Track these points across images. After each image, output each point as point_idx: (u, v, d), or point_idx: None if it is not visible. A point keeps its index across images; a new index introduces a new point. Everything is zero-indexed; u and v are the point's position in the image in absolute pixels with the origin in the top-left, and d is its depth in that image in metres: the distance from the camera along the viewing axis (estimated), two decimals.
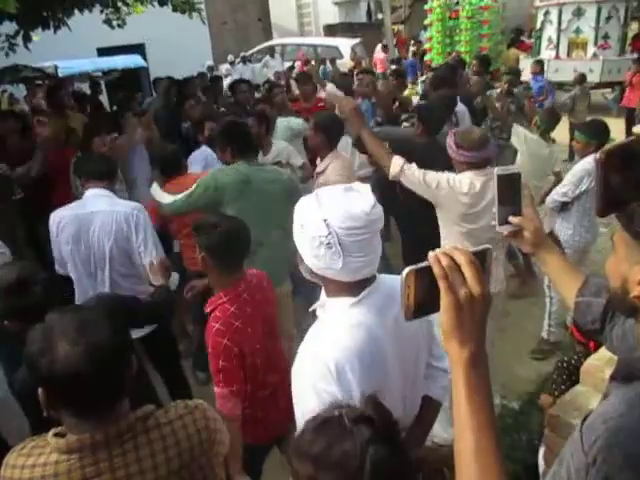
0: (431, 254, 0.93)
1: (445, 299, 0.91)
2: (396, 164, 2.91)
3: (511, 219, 1.37)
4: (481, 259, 0.95)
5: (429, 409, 1.71)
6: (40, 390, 1.22)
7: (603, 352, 2.90)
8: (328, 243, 1.32)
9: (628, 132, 9.39)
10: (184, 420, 1.34)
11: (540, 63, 9.80)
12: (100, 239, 2.86)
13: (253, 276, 2.34)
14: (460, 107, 4.96)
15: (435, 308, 0.93)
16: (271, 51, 14.86)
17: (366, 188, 1.42)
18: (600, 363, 2.55)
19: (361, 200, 1.35)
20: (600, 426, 0.98)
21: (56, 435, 1.24)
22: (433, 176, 2.90)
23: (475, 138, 2.85)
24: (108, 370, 1.21)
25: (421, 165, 2.98)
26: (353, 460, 1.00)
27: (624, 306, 1.10)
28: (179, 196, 3.16)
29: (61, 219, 2.89)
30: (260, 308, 2.25)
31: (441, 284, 0.91)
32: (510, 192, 1.37)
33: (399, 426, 1.10)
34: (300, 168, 4.33)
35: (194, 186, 3.10)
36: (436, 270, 0.91)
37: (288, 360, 2.46)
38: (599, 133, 3.93)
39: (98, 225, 2.85)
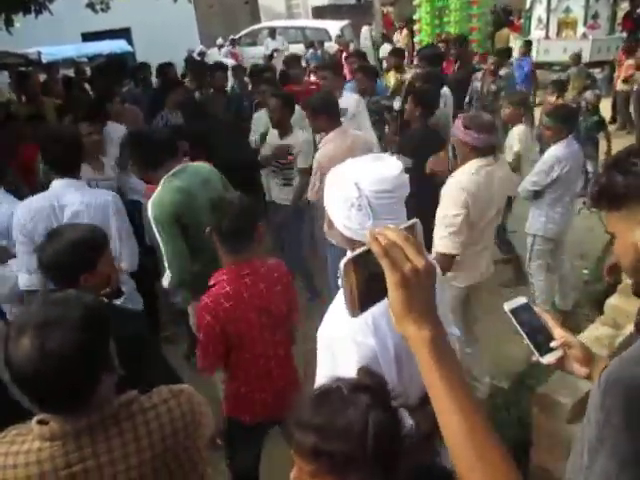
0: (367, 234, 0.89)
1: (391, 277, 0.85)
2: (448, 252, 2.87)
3: (554, 344, 1.30)
4: (414, 234, 0.93)
5: None
6: None
7: (590, 331, 2.94)
8: (359, 205, 1.39)
9: (614, 111, 9.38)
10: (168, 404, 1.34)
11: (528, 44, 9.74)
12: None
13: (265, 265, 2.31)
14: (445, 90, 4.97)
15: (381, 295, 0.89)
16: (272, 33, 14.64)
17: (393, 158, 1.49)
18: (588, 340, 2.57)
19: (389, 166, 1.44)
20: (614, 362, 0.99)
21: (39, 422, 1.24)
22: (456, 212, 2.84)
23: (484, 121, 2.89)
24: (62, 374, 1.15)
25: (417, 150, 3.00)
26: (357, 426, 1.05)
27: None
28: (168, 257, 2.76)
29: (32, 212, 2.66)
30: (260, 298, 2.23)
31: (384, 263, 0.85)
32: (530, 320, 1.32)
33: (391, 392, 1.16)
34: (298, 170, 4.30)
35: (160, 233, 2.73)
36: (376, 249, 0.86)
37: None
38: (570, 118, 3.91)
39: (72, 218, 2.64)
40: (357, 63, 6.20)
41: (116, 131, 4.46)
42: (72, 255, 1.97)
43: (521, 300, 1.34)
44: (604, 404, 0.95)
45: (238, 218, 2.18)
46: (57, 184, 2.76)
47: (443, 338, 0.88)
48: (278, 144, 4.28)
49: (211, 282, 2.22)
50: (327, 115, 3.63)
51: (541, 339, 1.30)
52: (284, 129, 4.28)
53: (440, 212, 2.90)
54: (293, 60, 6.88)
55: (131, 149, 2.86)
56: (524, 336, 1.30)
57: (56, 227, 2.14)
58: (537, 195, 3.84)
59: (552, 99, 5.86)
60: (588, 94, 6.39)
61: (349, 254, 0.91)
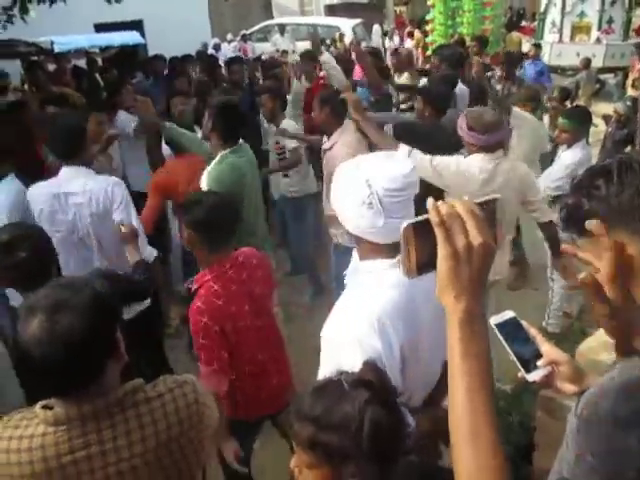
0: (430, 202, 0.86)
1: (442, 249, 0.84)
2: (402, 152, 2.84)
3: (541, 362, 1.23)
4: (489, 209, 0.89)
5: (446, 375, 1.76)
6: None
7: (597, 337, 2.91)
8: (370, 203, 1.37)
9: None
10: (173, 394, 1.33)
11: (538, 47, 9.70)
12: (83, 223, 2.75)
13: (241, 254, 2.31)
14: (461, 88, 4.90)
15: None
16: (281, 29, 14.67)
17: (403, 155, 1.44)
18: (595, 345, 2.55)
19: (399, 164, 1.42)
20: (594, 391, 0.97)
21: (44, 407, 1.24)
22: (441, 161, 2.85)
23: (488, 121, 2.82)
24: (68, 357, 1.15)
25: (425, 150, 2.95)
26: (352, 421, 1.05)
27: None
28: None
29: (38, 198, 2.75)
30: (246, 286, 2.23)
31: (438, 232, 0.84)
32: (517, 336, 1.26)
33: (395, 390, 1.15)
34: (290, 151, 4.34)
35: None
36: (433, 218, 0.84)
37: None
38: (588, 120, 3.89)
39: (75, 209, 2.73)
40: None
41: (127, 120, 4.45)
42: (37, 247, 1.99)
43: (508, 314, 1.27)
44: (578, 440, 0.94)
45: (213, 213, 2.14)
46: (65, 171, 2.79)
47: (478, 315, 0.87)
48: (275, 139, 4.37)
49: (195, 285, 2.17)
50: (331, 109, 3.56)
51: (528, 356, 1.24)
52: (276, 121, 4.33)
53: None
54: (306, 56, 6.85)
55: (219, 116, 2.95)
56: (510, 352, 1.24)
57: None
58: (557, 200, 3.81)
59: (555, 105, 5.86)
60: (619, 105, 6.22)
61: (410, 220, 0.88)
